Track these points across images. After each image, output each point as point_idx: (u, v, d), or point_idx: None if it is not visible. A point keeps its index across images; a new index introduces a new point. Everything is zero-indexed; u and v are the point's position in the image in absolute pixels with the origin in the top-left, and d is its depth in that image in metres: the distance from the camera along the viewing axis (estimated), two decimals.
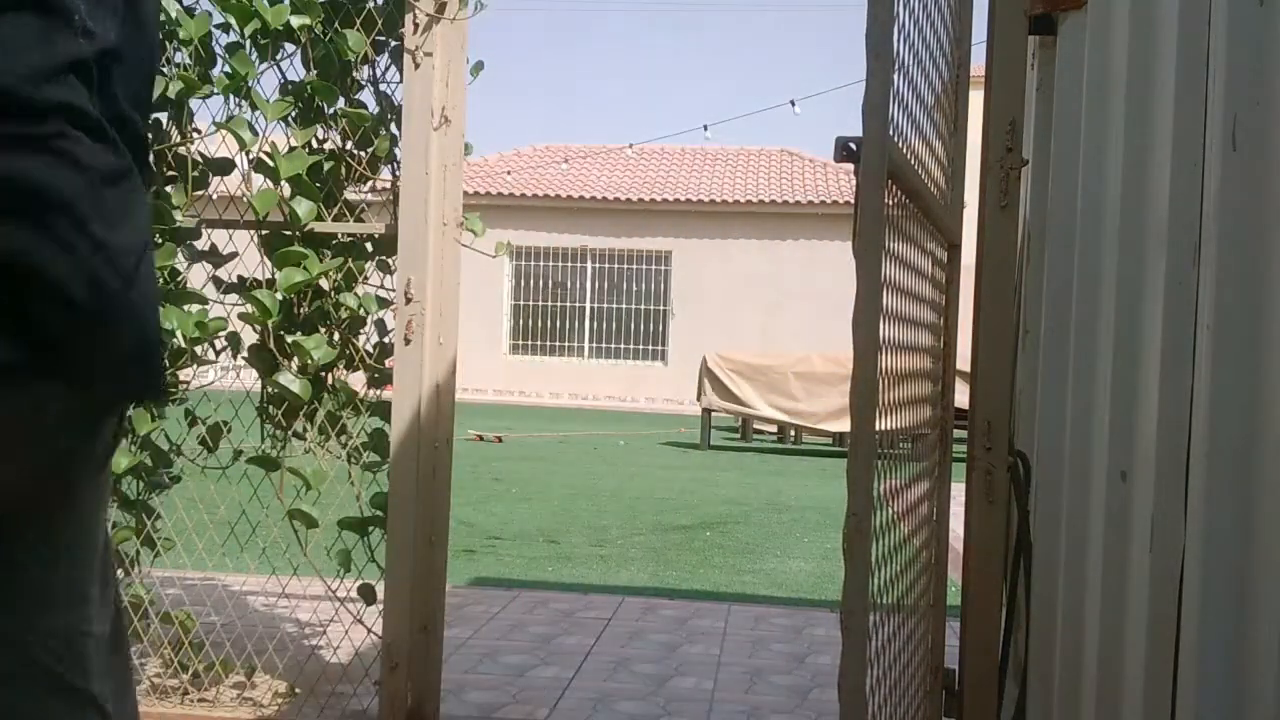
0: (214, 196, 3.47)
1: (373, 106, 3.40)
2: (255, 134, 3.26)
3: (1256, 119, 1.56)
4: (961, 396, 2.61)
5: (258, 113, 3.27)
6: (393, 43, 3.37)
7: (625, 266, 22.19)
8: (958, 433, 2.88)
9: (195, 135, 3.37)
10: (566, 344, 22.42)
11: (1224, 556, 1.55)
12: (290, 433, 3.38)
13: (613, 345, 22.33)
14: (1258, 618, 1.49)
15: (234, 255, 3.51)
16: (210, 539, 3.80)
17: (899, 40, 1.82)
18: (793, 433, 14.47)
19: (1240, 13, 1.59)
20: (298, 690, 3.54)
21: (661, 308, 22.06)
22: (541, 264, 22.35)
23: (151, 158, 3.35)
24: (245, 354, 3.38)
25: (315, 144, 3.39)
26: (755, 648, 4.42)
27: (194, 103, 3.36)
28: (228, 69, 3.25)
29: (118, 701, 1.12)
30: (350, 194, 3.43)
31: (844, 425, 13.60)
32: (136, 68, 1.11)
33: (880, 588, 1.84)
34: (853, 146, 1.70)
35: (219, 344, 3.46)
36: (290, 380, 3.24)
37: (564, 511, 8.15)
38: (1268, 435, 1.49)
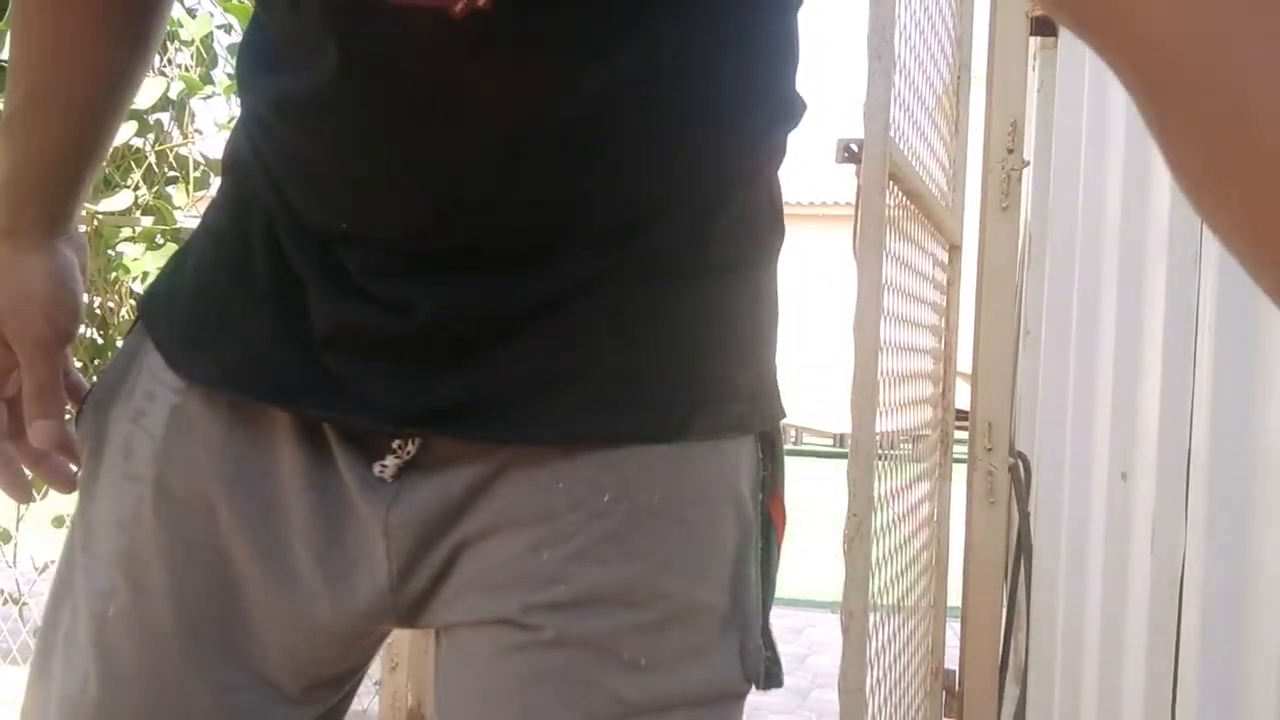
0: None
1: None
2: None
3: None
4: (963, 398, 2.62)
5: None
6: None
7: None
8: (958, 434, 2.88)
9: (197, 136, 3.37)
10: None
11: (1224, 557, 1.55)
12: None
13: None
14: (1258, 618, 1.49)
15: None
16: None
17: (899, 41, 1.82)
18: (793, 433, 14.48)
19: None
20: None
21: None
22: None
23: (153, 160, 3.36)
24: None
25: None
26: None
27: (196, 103, 3.36)
28: (229, 70, 3.25)
29: None
30: None
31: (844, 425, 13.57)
32: None
33: (881, 589, 1.84)
34: (854, 148, 1.71)
35: None
36: None
37: None
38: (1268, 437, 1.49)
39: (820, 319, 20.40)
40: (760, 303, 0.79)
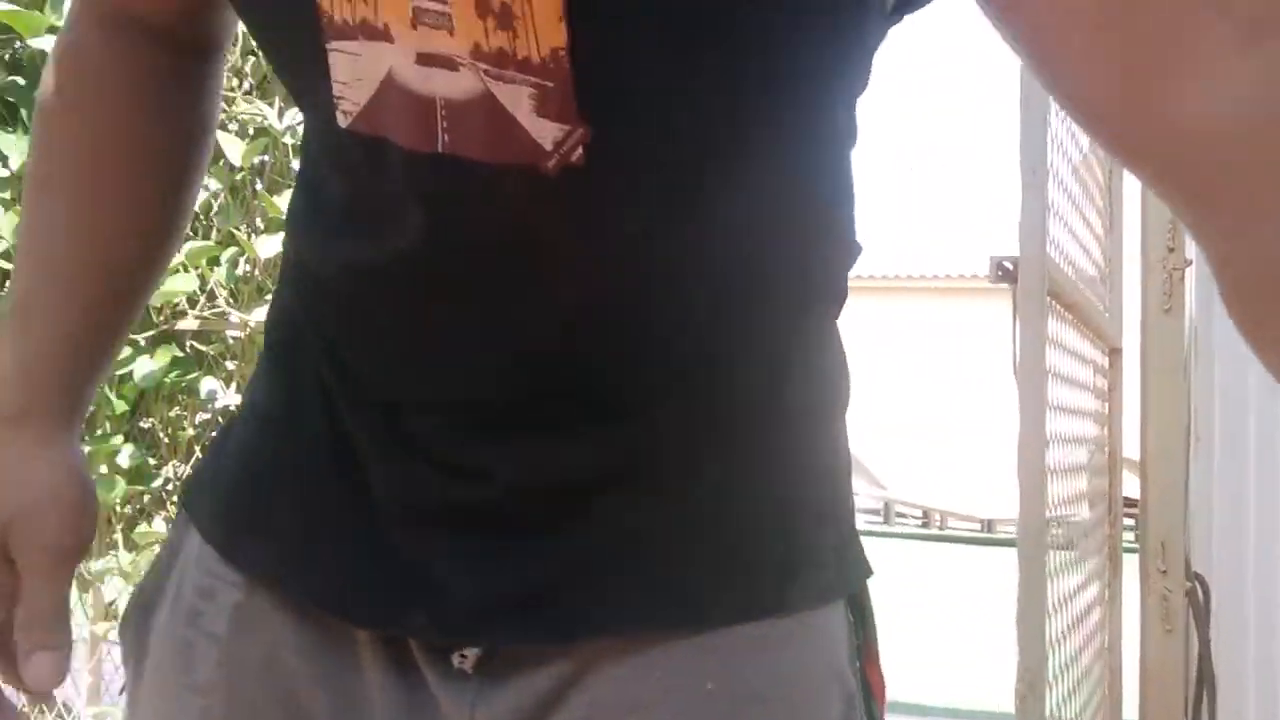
0: None
1: None
2: None
3: None
4: (1130, 486, 2.47)
5: None
6: None
7: None
8: (1127, 542, 2.72)
9: None
10: None
11: None
12: None
13: None
14: None
15: None
16: None
17: (1052, 149, 1.73)
18: (937, 517, 14.08)
19: None
20: None
21: None
22: None
23: None
24: None
25: None
26: None
27: None
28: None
29: None
30: None
31: (991, 510, 13.14)
32: None
33: (1052, 711, 1.70)
34: (1008, 266, 1.62)
35: None
36: None
37: None
38: None
39: (965, 399, 19.95)
40: (838, 453, 0.75)
